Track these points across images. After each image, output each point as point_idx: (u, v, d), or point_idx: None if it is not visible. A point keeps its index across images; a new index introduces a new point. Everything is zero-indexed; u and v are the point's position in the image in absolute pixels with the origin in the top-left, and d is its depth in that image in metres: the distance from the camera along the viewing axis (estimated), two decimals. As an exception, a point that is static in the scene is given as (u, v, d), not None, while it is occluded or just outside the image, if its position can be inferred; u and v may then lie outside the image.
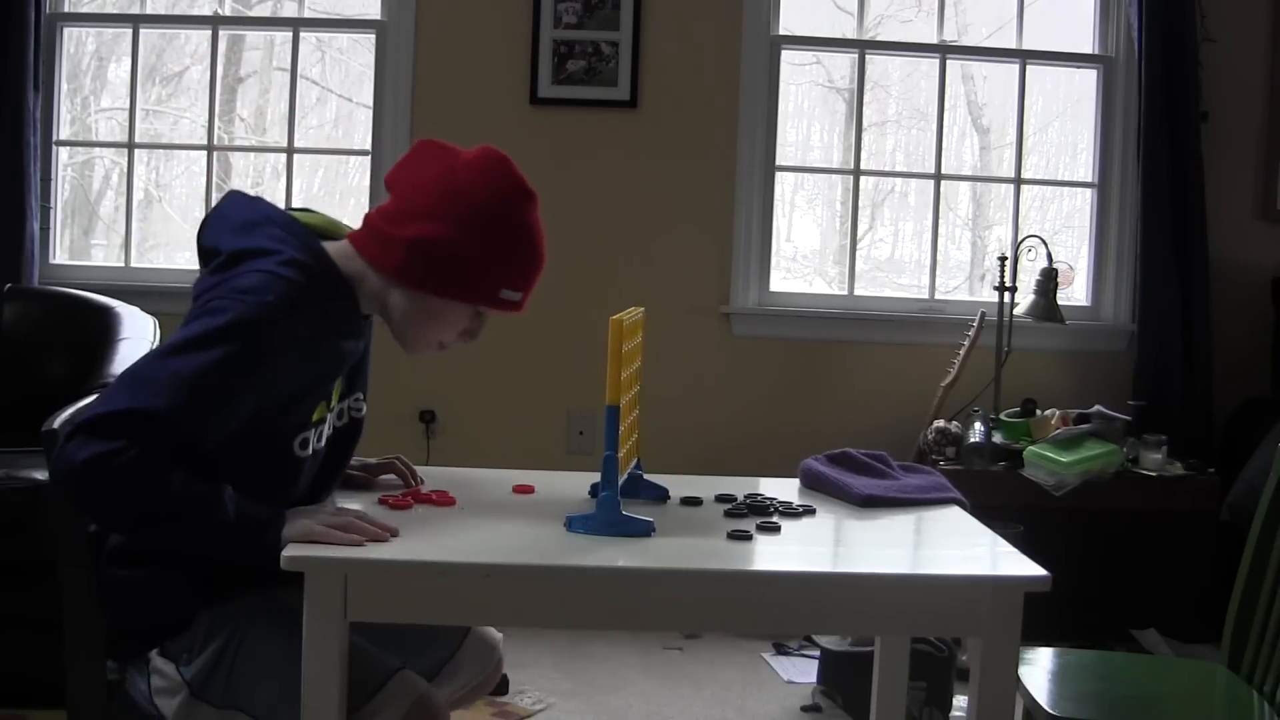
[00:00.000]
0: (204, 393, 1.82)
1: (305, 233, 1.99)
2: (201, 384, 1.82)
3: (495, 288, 2.04)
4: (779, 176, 4.58)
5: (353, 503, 2.06)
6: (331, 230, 2.08)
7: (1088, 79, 4.62)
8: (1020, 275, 4.28)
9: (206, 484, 1.84)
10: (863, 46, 4.59)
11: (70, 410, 1.95)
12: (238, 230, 1.99)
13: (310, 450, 2.00)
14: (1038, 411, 4.17)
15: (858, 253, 4.66)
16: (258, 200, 2.07)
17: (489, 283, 2.04)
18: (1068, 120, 4.82)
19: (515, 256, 2.06)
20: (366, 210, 2.36)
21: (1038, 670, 2.42)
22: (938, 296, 4.63)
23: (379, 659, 1.92)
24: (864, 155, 4.64)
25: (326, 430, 2.05)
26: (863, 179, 4.66)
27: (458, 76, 4.40)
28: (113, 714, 2.00)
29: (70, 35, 4.69)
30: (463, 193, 1.99)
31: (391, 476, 2.25)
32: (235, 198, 2.08)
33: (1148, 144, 4.34)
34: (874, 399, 4.43)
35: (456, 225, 1.98)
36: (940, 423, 4.14)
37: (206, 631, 1.96)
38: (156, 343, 3.60)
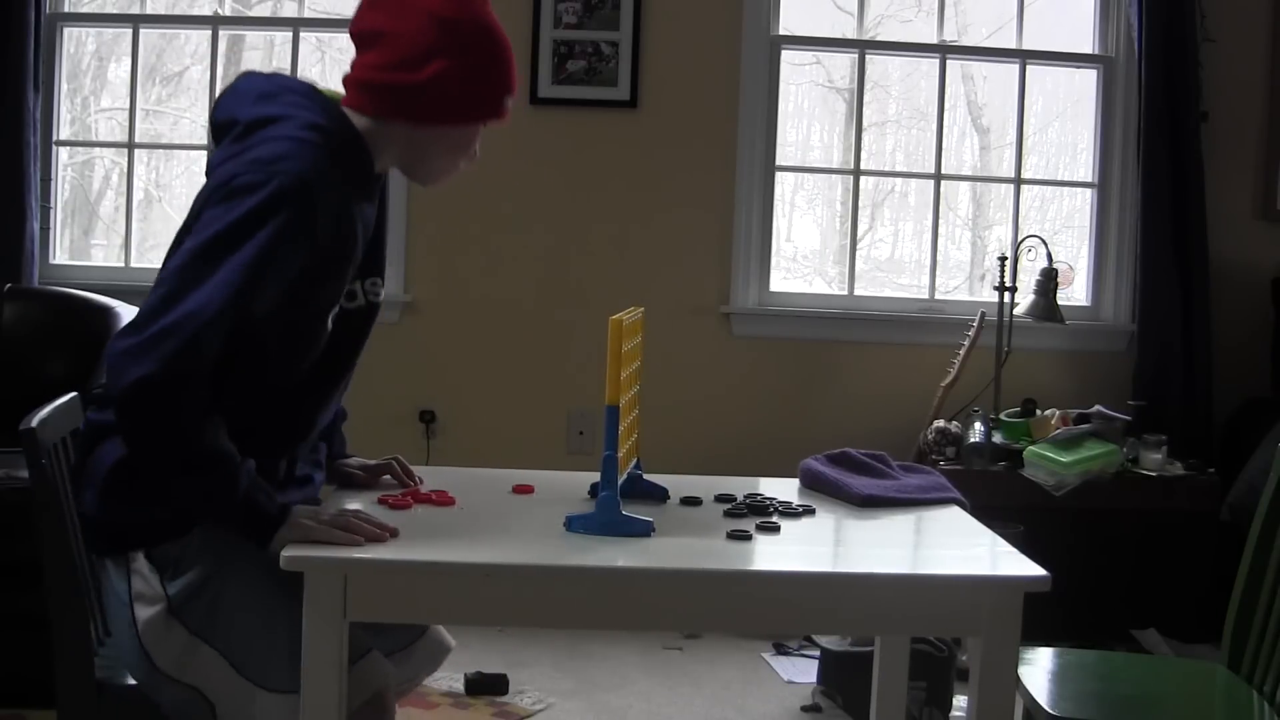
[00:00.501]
0: (253, 281, 1.82)
1: (323, 97, 2.02)
2: (250, 273, 1.82)
3: (501, 99, 2.08)
4: (779, 176, 4.58)
5: (353, 503, 2.06)
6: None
7: (1088, 79, 4.62)
8: (1020, 275, 4.28)
9: (232, 452, 1.85)
10: (863, 46, 4.59)
11: (132, 319, 1.87)
12: (256, 100, 2.00)
13: (330, 324, 2.01)
14: (1038, 411, 4.17)
15: (858, 253, 4.66)
16: (274, 74, 2.10)
17: (496, 96, 2.07)
18: (1068, 120, 4.82)
19: (504, 65, 2.08)
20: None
21: (1038, 670, 2.42)
22: (938, 296, 4.63)
23: (353, 634, 1.91)
24: (864, 155, 4.64)
25: (358, 296, 2.09)
26: (863, 179, 4.66)
27: (458, 76, 4.39)
28: (103, 713, 2.01)
29: (70, 35, 4.69)
30: (452, 25, 2.00)
31: (388, 478, 2.26)
32: (251, 74, 2.10)
33: (1148, 144, 4.34)
34: (874, 399, 4.43)
35: (462, 55, 2.01)
36: (940, 423, 4.14)
37: (198, 551, 1.95)
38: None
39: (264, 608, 1.91)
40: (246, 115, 1.97)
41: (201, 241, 1.85)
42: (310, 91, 2.02)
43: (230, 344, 1.85)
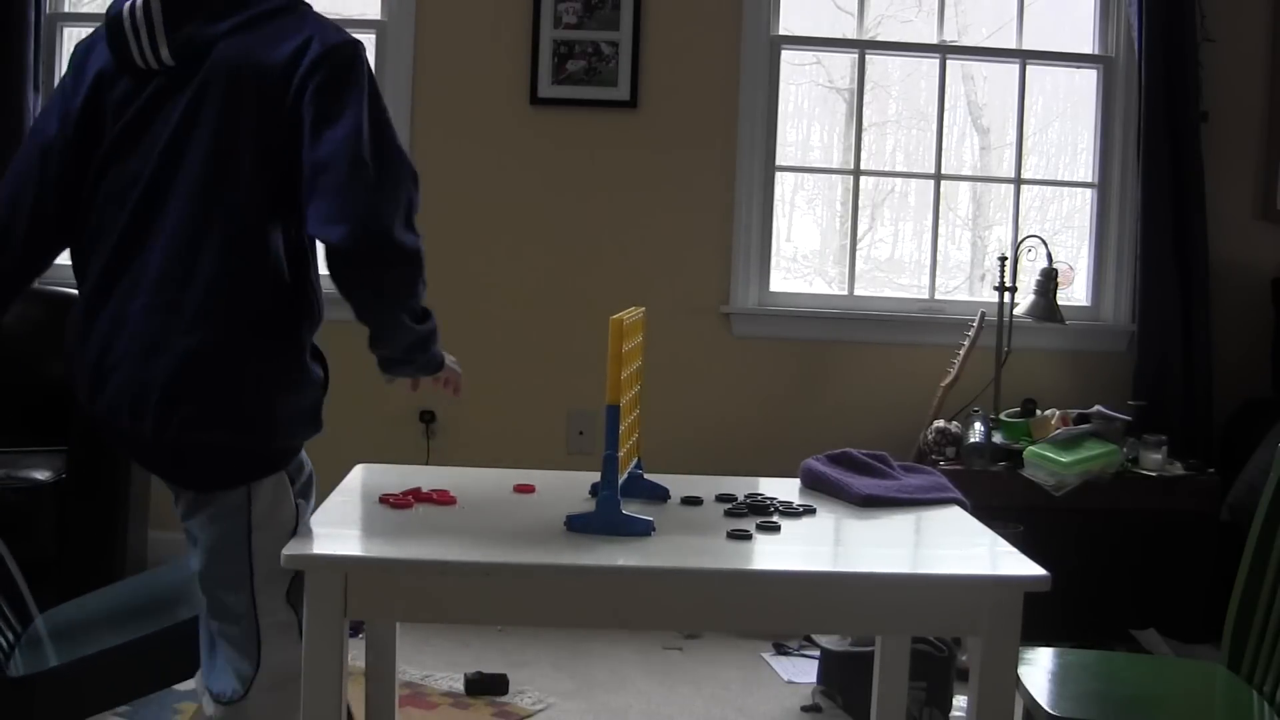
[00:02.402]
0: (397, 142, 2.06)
1: None
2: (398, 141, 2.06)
3: None
4: (779, 176, 4.58)
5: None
6: None
7: (1088, 79, 4.62)
8: (1020, 275, 4.28)
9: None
10: (863, 46, 4.59)
11: (364, 200, 1.98)
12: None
13: None
14: (1038, 411, 4.17)
15: (858, 253, 4.65)
16: None
17: None
18: (1068, 120, 4.82)
19: None
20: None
21: (1038, 670, 2.42)
22: (938, 296, 4.63)
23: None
24: (864, 155, 4.64)
25: None
26: (863, 179, 4.66)
27: (458, 76, 4.40)
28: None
29: (70, 35, 4.69)
30: None
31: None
32: None
33: (1148, 144, 4.34)
34: (874, 399, 4.43)
35: None
36: (940, 423, 4.14)
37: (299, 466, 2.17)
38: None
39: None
40: (258, 7, 2.07)
41: (362, 116, 2.00)
42: None
43: None
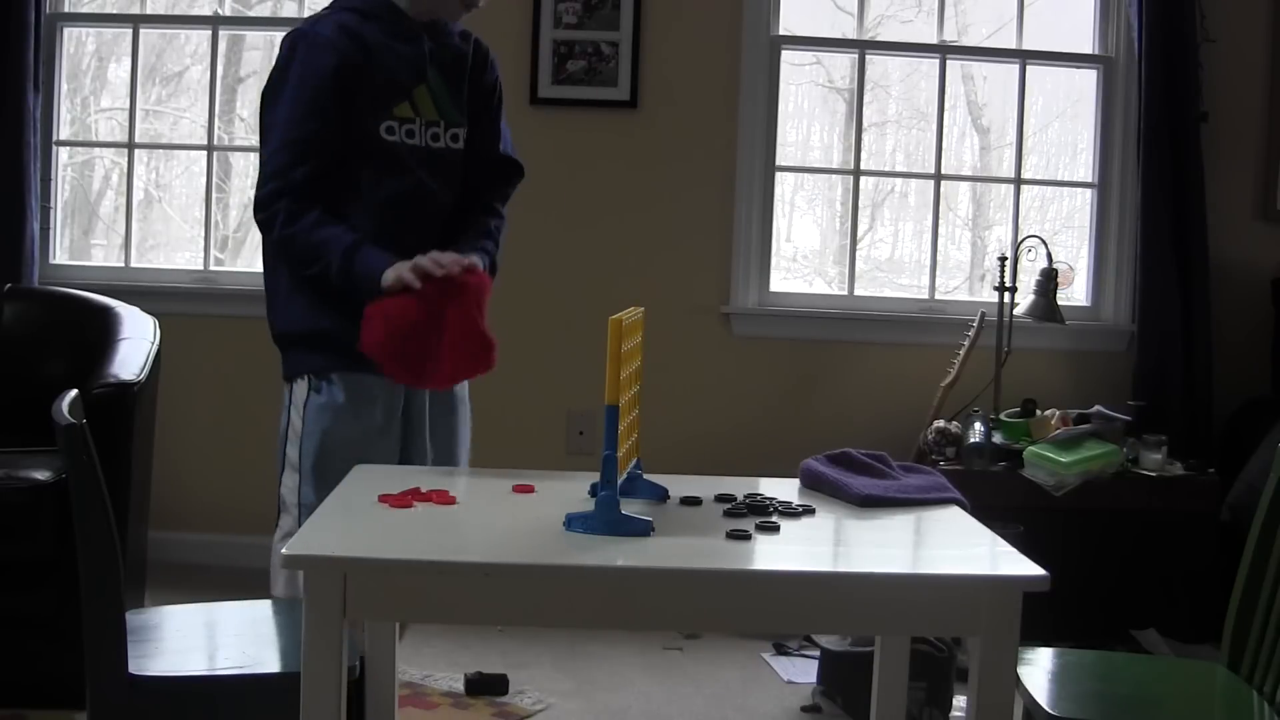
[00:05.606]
0: (298, 119, 2.46)
1: None
2: (292, 115, 2.46)
3: None
4: (779, 176, 4.58)
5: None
6: None
7: (1088, 79, 4.62)
8: (1020, 275, 4.28)
9: (329, 237, 2.44)
10: (863, 47, 4.59)
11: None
12: None
13: (400, 139, 2.53)
14: (1038, 411, 4.17)
15: (858, 253, 4.66)
16: None
17: None
18: (1068, 120, 4.82)
19: None
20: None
21: (1038, 670, 2.42)
22: (938, 297, 4.63)
23: None
24: (864, 155, 4.64)
25: (425, 134, 2.58)
26: (863, 179, 4.66)
27: (458, 76, 4.39)
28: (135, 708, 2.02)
29: (70, 35, 4.69)
30: None
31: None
32: None
33: (1148, 144, 4.34)
34: (874, 399, 4.43)
35: None
36: (940, 423, 4.14)
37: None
38: (156, 343, 3.61)
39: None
40: None
41: (259, 107, 2.56)
42: None
43: (322, 164, 2.47)
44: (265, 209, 2.49)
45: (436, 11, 2.63)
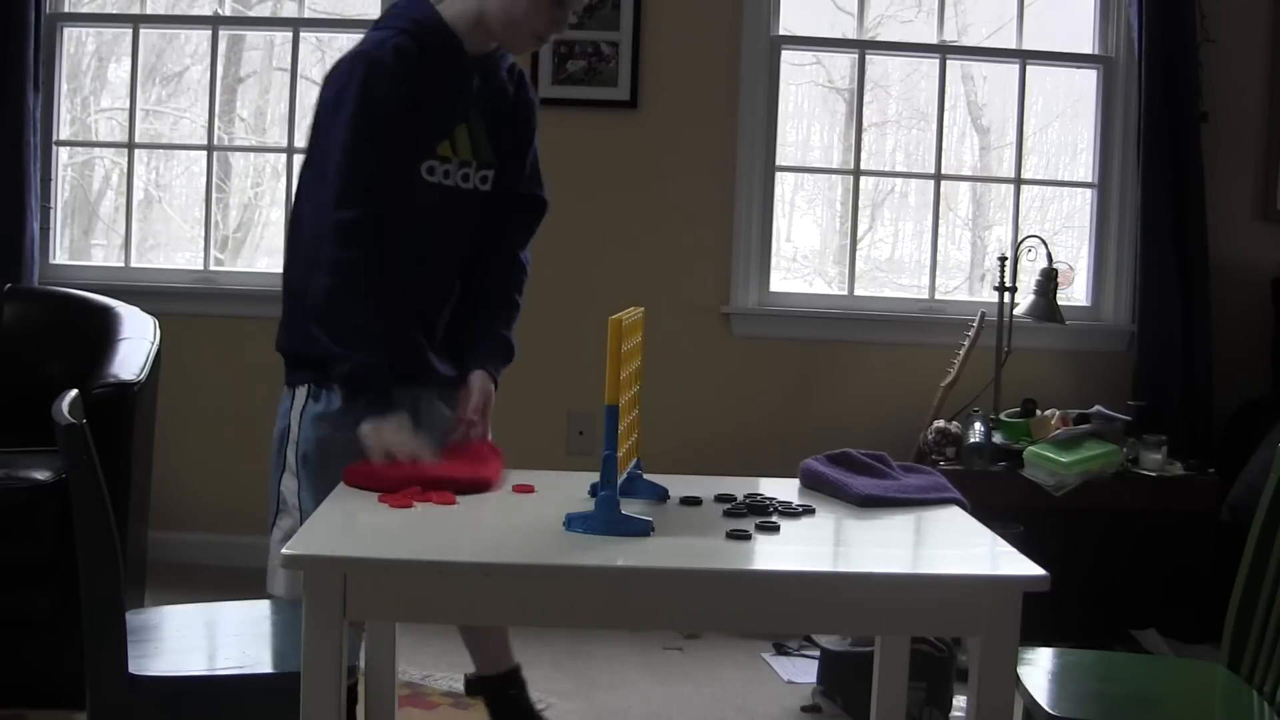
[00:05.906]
0: (360, 153, 2.35)
1: (423, 3, 2.46)
2: (353, 144, 2.34)
3: None
4: (779, 176, 4.58)
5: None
6: None
7: (1088, 79, 4.62)
8: (1020, 275, 4.28)
9: (364, 336, 2.36)
10: (863, 47, 4.59)
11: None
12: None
13: (438, 180, 2.48)
14: (1038, 411, 4.17)
15: (858, 253, 4.66)
16: None
17: None
18: (1068, 120, 4.82)
19: None
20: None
21: (1038, 670, 2.42)
22: (938, 296, 4.63)
23: None
24: (864, 155, 4.64)
25: (457, 174, 2.52)
26: (863, 179, 4.66)
27: (458, 76, 4.39)
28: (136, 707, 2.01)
29: (70, 35, 4.69)
30: None
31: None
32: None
33: (1148, 144, 4.34)
34: (874, 399, 4.43)
35: None
36: (940, 423, 4.14)
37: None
38: (156, 343, 3.61)
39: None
40: None
41: (312, 122, 2.47)
42: (411, 2, 2.47)
43: (380, 203, 2.38)
44: (350, 234, 2.36)
45: (506, 45, 2.56)
